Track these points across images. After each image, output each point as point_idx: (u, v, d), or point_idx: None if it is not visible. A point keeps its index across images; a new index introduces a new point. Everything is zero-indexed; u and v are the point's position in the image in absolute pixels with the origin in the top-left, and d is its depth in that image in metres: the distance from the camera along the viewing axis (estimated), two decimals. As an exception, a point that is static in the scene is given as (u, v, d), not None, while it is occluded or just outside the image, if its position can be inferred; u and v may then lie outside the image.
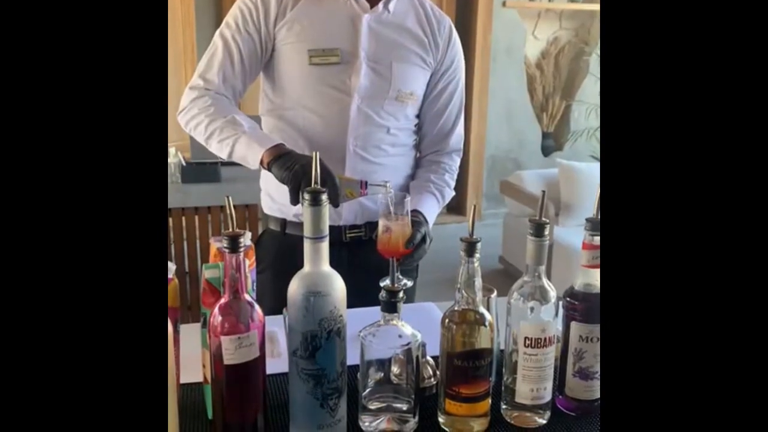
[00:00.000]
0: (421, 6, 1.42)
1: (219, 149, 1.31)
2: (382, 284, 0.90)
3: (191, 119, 1.33)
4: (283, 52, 1.35)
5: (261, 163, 1.25)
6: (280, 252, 1.43)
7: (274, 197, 1.45)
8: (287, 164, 1.18)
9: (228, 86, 1.35)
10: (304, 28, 1.33)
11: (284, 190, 1.19)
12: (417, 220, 1.25)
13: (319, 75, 1.33)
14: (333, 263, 0.84)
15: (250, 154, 1.26)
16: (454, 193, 1.51)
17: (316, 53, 1.32)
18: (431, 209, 1.42)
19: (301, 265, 0.83)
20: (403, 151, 1.44)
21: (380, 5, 1.35)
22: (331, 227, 1.40)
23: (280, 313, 0.96)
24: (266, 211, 1.49)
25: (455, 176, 1.51)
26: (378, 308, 0.88)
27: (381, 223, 1.11)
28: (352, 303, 0.88)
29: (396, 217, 1.10)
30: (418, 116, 1.46)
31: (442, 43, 1.42)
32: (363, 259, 1.27)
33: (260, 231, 1.54)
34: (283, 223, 1.44)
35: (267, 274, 1.40)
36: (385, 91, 1.36)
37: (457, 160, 1.52)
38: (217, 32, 1.36)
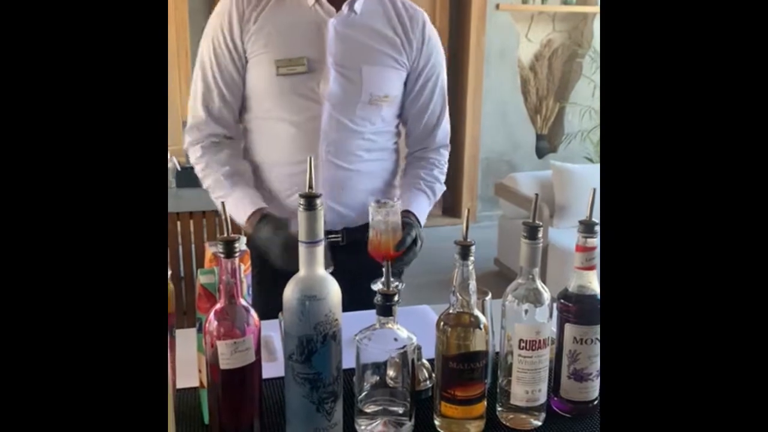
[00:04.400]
0: (391, 3, 1.38)
1: (217, 202, 1.38)
2: (374, 287, 0.90)
3: (192, 164, 1.41)
4: (252, 64, 1.34)
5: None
6: (261, 259, 1.41)
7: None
8: (267, 234, 1.25)
9: (221, 122, 1.38)
10: (269, 38, 1.31)
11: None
12: (408, 221, 1.25)
13: (287, 85, 1.32)
14: None
15: (237, 217, 1.33)
16: (444, 188, 1.50)
17: (282, 63, 1.30)
18: (422, 208, 1.40)
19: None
20: (382, 155, 1.42)
21: (345, 7, 1.32)
22: None
23: (270, 318, 0.97)
24: None
25: (445, 170, 1.49)
26: (373, 311, 0.88)
27: (372, 227, 1.11)
28: None
29: (386, 221, 1.10)
30: (399, 116, 1.43)
31: (416, 41, 1.38)
32: (339, 264, 1.26)
33: None
34: None
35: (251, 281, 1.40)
36: (356, 96, 1.33)
37: (446, 155, 1.50)
38: (196, 69, 1.38)
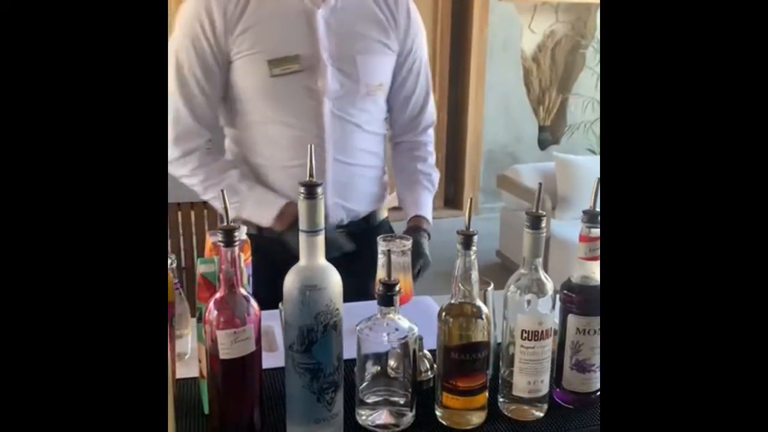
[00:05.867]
0: None
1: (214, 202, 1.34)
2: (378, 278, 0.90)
3: (182, 177, 1.33)
4: (239, 65, 1.26)
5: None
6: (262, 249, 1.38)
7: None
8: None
9: (210, 129, 1.31)
10: (258, 36, 1.24)
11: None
12: (421, 251, 1.21)
13: (283, 85, 1.25)
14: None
15: (260, 218, 1.29)
16: (439, 174, 1.48)
17: (275, 63, 1.23)
18: (429, 206, 1.38)
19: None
20: (378, 145, 1.39)
21: None
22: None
23: (270, 307, 0.96)
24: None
25: (434, 152, 1.49)
26: (375, 302, 0.88)
27: (382, 266, 1.06)
28: None
29: (400, 262, 1.06)
30: (387, 101, 1.40)
31: (402, 19, 1.33)
32: (344, 254, 1.24)
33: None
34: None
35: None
36: (355, 89, 1.29)
37: (432, 134, 1.48)
38: (171, 73, 1.25)
